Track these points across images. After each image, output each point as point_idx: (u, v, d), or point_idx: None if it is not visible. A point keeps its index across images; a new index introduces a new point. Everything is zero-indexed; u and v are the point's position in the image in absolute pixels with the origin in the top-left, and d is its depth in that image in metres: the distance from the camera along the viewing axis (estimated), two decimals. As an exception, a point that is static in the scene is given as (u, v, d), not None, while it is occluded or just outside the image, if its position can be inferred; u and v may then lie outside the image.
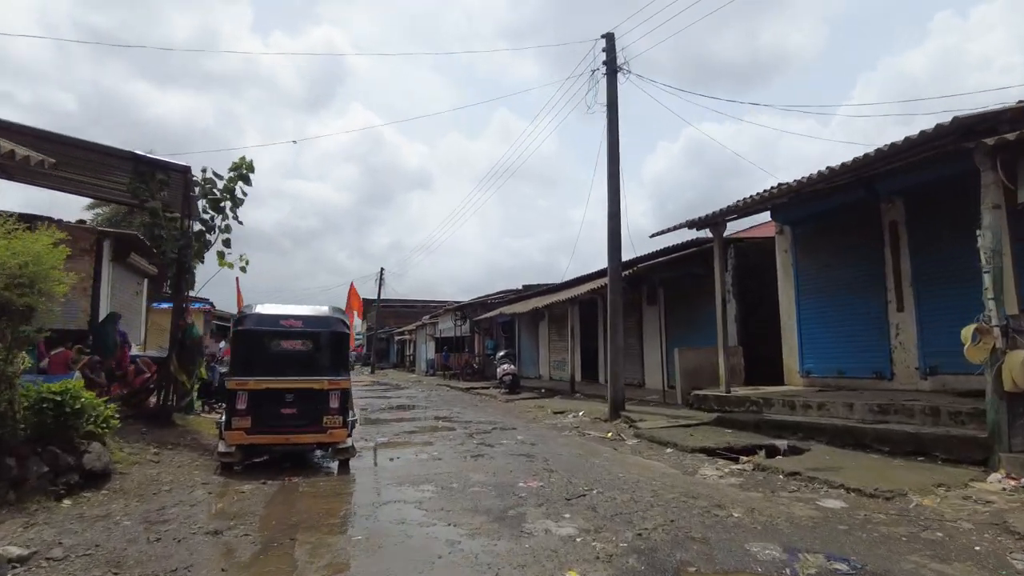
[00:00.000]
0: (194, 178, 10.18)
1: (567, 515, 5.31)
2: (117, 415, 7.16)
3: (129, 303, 15.99)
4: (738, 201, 10.28)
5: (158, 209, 9.85)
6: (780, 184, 9.54)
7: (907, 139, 7.65)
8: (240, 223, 10.18)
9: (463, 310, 30.22)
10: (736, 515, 5.20)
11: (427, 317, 39.27)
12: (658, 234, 11.89)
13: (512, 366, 19.57)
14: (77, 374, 9.58)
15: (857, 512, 5.18)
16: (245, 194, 10.20)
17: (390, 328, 54.31)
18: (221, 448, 7.40)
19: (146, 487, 6.35)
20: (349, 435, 7.79)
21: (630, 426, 10.69)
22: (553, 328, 24.12)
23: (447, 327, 33.62)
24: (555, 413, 13.69)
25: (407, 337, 49.28)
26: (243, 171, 9.96)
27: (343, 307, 9.58)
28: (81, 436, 6.35)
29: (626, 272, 13.55)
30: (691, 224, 11.25)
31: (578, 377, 20.29)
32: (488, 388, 21.65)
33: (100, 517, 5.24)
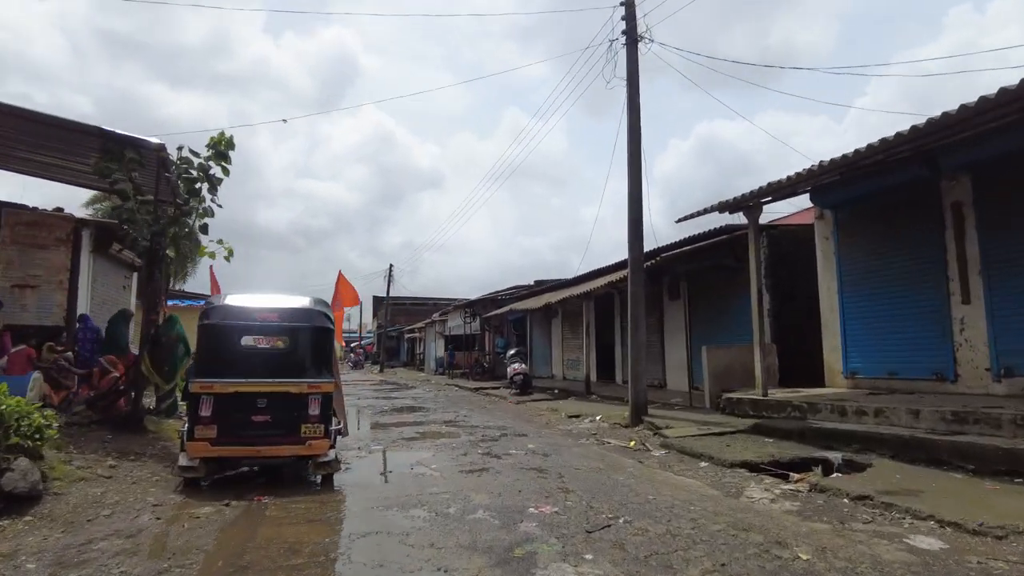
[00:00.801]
0: (170, 157, 9.16)
1: (589, 556, 4.19)
2: (56, 424, 6.14)
3: (115, 298, 15.04)
4: (777, 180, 9.06)
5: (128, 191, 8.82)
6: (826, 161, 8.31)
7: (983, 99, 6.46)
8: (219, 206, 9.14)
9: (472, 307, 29.12)
10: (804, 557, 4.06)
11: (437, 315, 38.21)
12: (685, 219, 10.71)
13: (523, 365, 18.44)
14: (36, 374, 8.61)
15: (965, 557, 4.00)
16: (227, 173, 9.16)
17: (400, 326, 53.36)
18: (182, 461, 6.34)
19: (82, 512, 5.31)
20: (332, 446, 6.71)
21: (655, 433, 9.54)
22: (567, 325, 22.96)
23: (456, 325, 32.56)
24: (570, 417, 12.56)
25: (417, 335, 48.27)
26: (220, 148, 8.91)
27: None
28: (3, 450, 5.32)
29: (647, 263, 12.38)
30: (722, 207, 10.06)
31: (593, 377, 19.14)
32: (498, 388, 20.56)
33: (1, 557, 4.20)
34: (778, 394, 10.03)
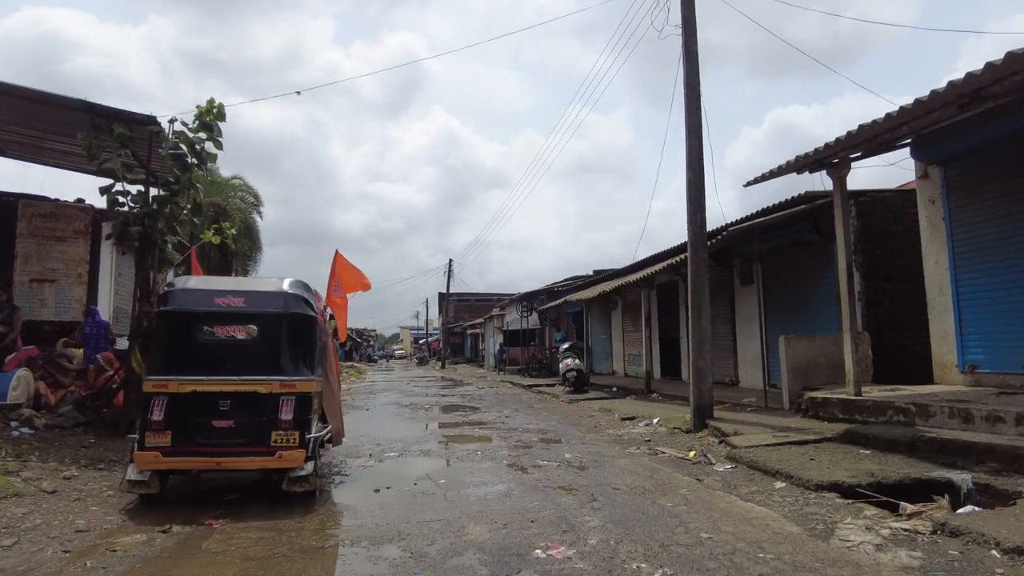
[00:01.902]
0: (164, 132, 8.28)
1: (595, 644, 2.76)
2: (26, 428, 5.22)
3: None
4: (871, 122, 7.14)
5: (116, 169, 7.98)
6: (940, 88, 6.33)
7: None
8: (206, 182, 8.17)
9: (528, 300, 27.70)
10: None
11: (496, 309, 37.09)
12: (754, 182, 8.92)
13: (577, 361, 16.89)
14: (20, 371, 7.89)
15: None
16: (220, 147, 8.18)
17: (464, 322, 52.70)
18: (130, 475, 5.28)
19: (-20, 540, 4.31)
20: (311, 458, 5.51)
21: (720, 441, 7.89)
22: (627, 317, 21.26)
23: (513, 319, 31.31)
24: (623, 420, 10.99)
25: (479, 331, 47.40)
26: (208, 119, 7.91)
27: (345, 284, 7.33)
28: None
29: (710, 241, 10.65)
30: (800, 164, 8.24)
31: (656, 374, 17.43)
32: (553, 386, 19.13)
33: None
34: (874, 393, 8.16)
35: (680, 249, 13.56)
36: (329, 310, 7.24)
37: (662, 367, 18.60)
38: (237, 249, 29.25)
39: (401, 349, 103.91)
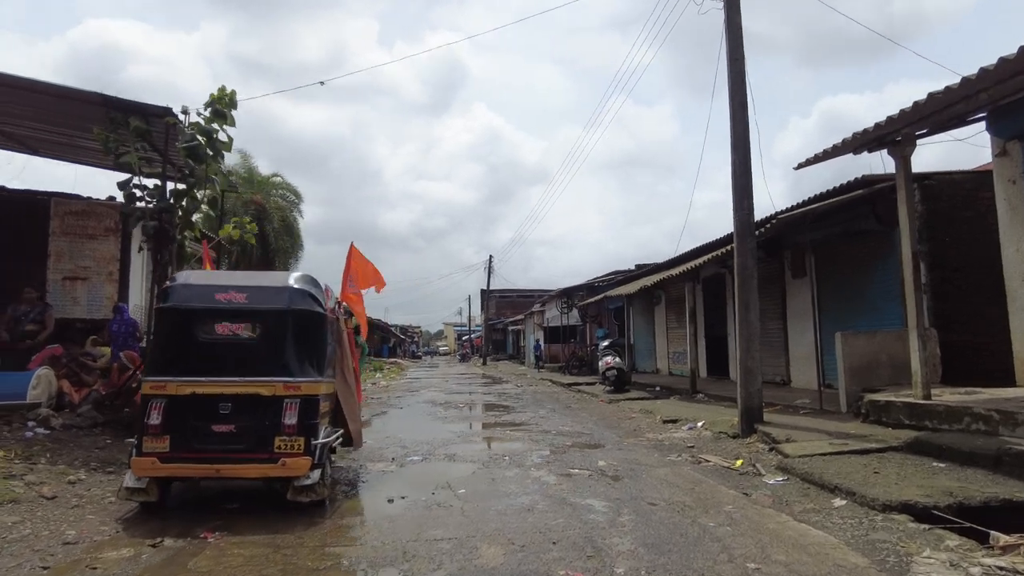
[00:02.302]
0: (180, 124, 8.04)
1: None
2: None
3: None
4: (939, 90, 6.31)
5: (133, 163, 7.78)
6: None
7: None
8: (224, 175, 7.90)
9: (568, 295, 27.03)
10: None
11: (537, 306, 36.53)
12: (807, 163, 8.12)
13: (617, 359, 16.18)
14: (41, 370, 7.76)
15: None
16: (230, 137, 7.90)
17: (503, 319, 52.34)
18: (127, 482, 4.98)
19: (-42, 554, 4.04)
20: (317, 465, 5.10)
21: (771, 448, 7.19)
22: (671, 313, 20.44)
23: (553, 316, 30.70)
24: (665, 422, 10.32)
25: (520, 328, 46.93)
26: (220, 107, 7.62)
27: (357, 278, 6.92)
28: None
29: (759, 231, 9.88)
30: (858, 143, 7.43)
31: (702, 372, 16.61)
32: (593, 384, 18.48)
33: None
34: (946, 396, 7.31)
35: (726, 240, 12.77)
36: (345, 305, 6.84)
37: (708, 366, 17.75)
38: (278, 246, 29.64)
39: (445, 346, 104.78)
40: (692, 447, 7.98)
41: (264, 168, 31.27)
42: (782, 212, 10.90)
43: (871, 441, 6.73)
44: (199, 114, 7.80)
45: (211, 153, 7.70)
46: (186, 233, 8.35)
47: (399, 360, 52.45)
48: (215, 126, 7.72)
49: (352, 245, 6.85)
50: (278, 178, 32.55)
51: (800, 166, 8.28)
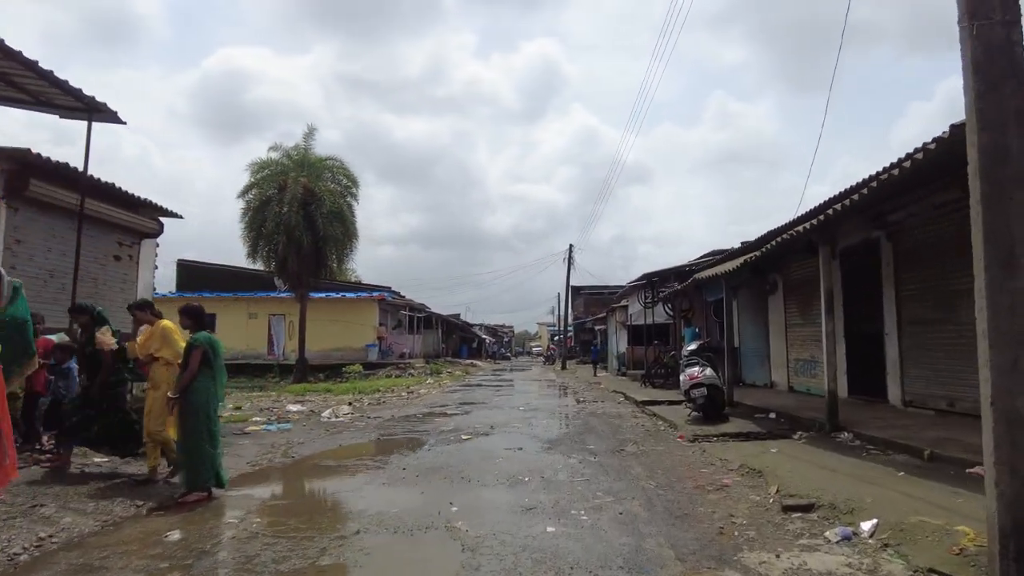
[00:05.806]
0: None
1: None
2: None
3: (96, 275, 10.81)
4: None
5: None
6: None
7: None
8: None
9: (651, 284, 21.38)
10: None
11: (622, 300, 31.01)
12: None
13: (707, 370, 10.64)
14: None
15: None
16: None
17: (588, 317, 46.94)
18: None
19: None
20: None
21: None
22: (792, 303, 14.64)
23: (636, 311, 25.17)
24: (787, 511, 5.05)
25: (603, 327, 41.47)
26: None
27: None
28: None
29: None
30: None
31: (843, 392, 10.84)
32: (677, 404, 13.04)
33: None
34: None
35: (883, 188, 7.13)
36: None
37: (850, 379, 11.88)
38: (327, 233, 26.08)
39: (538, 346, 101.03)
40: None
41: (319, 149, 27.89)
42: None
43: None
44: None
45: None
46: None
47: (476, 361, 48.52)
48: None
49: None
50: (333, 160, 29.23)
51: None
